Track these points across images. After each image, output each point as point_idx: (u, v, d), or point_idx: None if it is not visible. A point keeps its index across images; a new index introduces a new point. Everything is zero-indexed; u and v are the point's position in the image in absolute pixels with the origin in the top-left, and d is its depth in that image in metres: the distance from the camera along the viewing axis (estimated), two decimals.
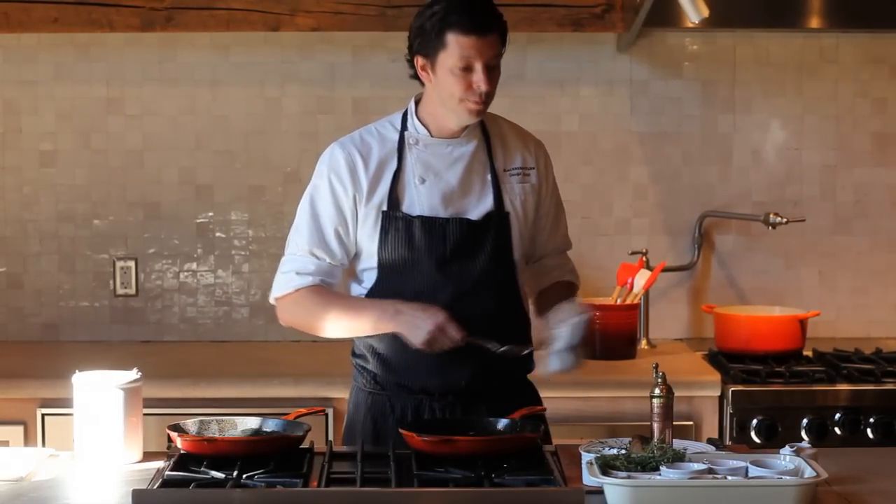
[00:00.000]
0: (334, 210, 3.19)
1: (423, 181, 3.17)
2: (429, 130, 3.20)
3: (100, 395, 2.97)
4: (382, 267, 3.17)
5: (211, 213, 4.72)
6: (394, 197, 3.16)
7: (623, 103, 4.71)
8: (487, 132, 3.24)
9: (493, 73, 3.10)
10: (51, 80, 4.67)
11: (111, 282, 4.72)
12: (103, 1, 4.37)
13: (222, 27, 4.42)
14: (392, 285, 3.17)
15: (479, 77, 3.08)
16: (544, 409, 3.22)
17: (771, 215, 4.57)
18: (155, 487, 2.70)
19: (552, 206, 3.32)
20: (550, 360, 3.07)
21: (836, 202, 4.77)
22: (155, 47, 4.66)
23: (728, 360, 4.28)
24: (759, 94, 4.73)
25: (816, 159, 4.76)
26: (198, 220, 4.72)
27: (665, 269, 4.55)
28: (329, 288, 3.22)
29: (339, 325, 3.19)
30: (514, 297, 3.23)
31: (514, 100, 4.59)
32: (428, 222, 3.14)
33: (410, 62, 3.16)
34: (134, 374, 3.02)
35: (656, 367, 2.94)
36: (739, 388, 4.06)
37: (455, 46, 3.06)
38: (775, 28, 4.62)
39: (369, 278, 3.20)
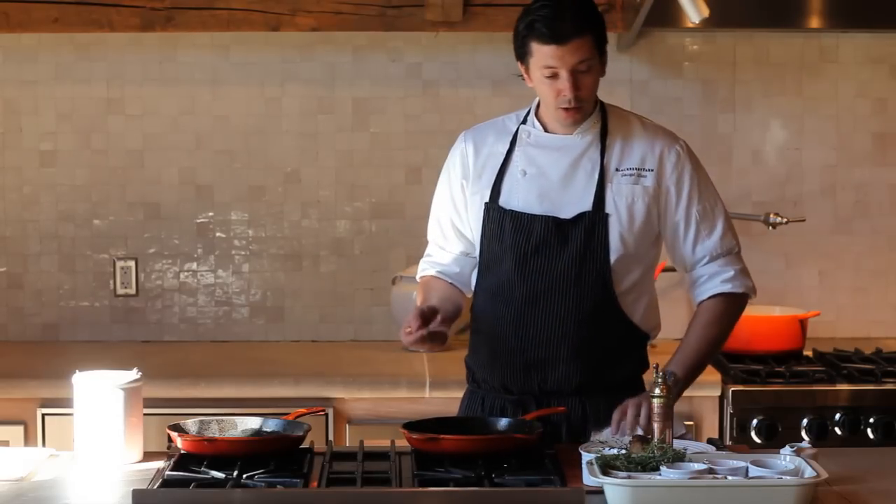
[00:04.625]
0: (449, 200, 3.26)
1: (524, 174, 3.17)
2: (544, 127, 3.19)
3: (100, 395, 2.96)
4: (481, 258, 3.22)
5: (211, 213, 4.72)
6: (496, 189, 3.18)
7: (623, 103, 4.62)
8: (607, 129, 3.19)
9: (582, 77, 3.06)
10: (51, 80, 4.67)
11: (111, 282, 4.72)
12: (103, 1, 4.36)
13: (222, 27, 4.42)
14: (486, 278, 3.21)
15: (563, 84, 3.06)
16: (564, 410, 3.11)
17: (771, 215, 4.57)
18: (155, 487, 2.69)
19: (692, 210, 3.18)
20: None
21: (836, 202, 4.77)
22: (155, 47, 4.66)
23: (728, 360, 4.28)
24: (759, 94, 4.73)
25: (816, 159, 4.76)
26: (198, 220, 4.72)
27: (665, 269, 4.53)
28: (439, 279, 3.29)
29: None
30: (604, 300, 3.13)
31: (514, 99, 4.57)
32: (517, 217, 3.14)
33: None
34: (134, 374, 3.02)
35: (657, 367, 2.95)
36: (739, 388, 4.06)
37: (538, 55, 3.06)
38: (775, 28, 4.62)
39: (478, 268, 3.25)
